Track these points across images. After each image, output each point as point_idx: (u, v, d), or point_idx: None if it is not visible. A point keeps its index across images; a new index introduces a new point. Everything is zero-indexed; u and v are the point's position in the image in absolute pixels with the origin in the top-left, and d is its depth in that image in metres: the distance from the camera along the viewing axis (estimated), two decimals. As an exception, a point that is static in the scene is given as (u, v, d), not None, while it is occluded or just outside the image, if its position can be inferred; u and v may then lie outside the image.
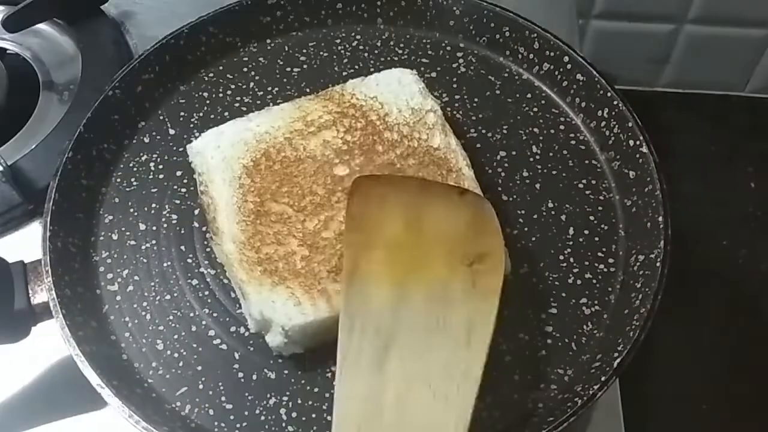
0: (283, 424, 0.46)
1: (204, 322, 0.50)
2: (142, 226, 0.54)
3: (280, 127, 0.54)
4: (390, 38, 0.64)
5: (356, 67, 0.62)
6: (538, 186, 0.55)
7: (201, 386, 0.48)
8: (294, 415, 0.46)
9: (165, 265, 0.52)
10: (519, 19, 0.61)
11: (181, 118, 0.59)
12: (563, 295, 0.51)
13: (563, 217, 0.54)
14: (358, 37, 0.64)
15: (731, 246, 1.14)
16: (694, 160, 1.19)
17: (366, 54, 0.63)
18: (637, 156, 0.54)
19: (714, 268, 1.12)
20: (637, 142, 0.55)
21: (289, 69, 0.62)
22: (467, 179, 0.51)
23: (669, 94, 1.23)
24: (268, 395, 0.47)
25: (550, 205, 0.55)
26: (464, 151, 0.53)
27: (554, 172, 0.56)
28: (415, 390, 0.40)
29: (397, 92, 0.55)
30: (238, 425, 0.46)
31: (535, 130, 0.58)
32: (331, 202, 0.50)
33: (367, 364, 0.41)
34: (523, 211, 0.54)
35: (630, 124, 0.55)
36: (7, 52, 0.73)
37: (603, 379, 0.45)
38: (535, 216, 0.54)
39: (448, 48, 0.63)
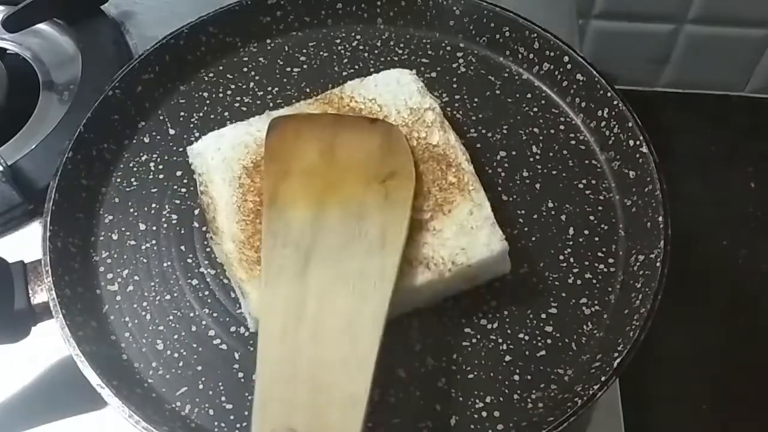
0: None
1: (204, 322, 0.50)
2: (142, 226, 0.54)
3: None
4: (390, 38, 0.64)
5: (356, 67, 0.62)
6: (538, 186, 0.55)
7: (201, 386, 0.48)
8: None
9: (165, 265, 0.52)
10: (519, 19, 0.61)
11: (181, 118, 0.59)
12: (563, 295, 0.51)
13: (563, 217, 0.54)
14: (358, 37, 0.64)
15: (731, 246, 1.14)
16: (694, 160, 1.19)
17: (366, 54, 0.63)
18: (637, 156, 0.54)
19: (714, 268, 1.12)
20: (637, 142, 0.55)
21: (289, 69, 0.62)
22: (467, 173, 0.51)
23: (669, 94, 1.23)
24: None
25: (550, 205, 0.55)
26: (463, 147, 0.53)
27: (554, 172, 0.56)
28: (335, 290, 0.44)
29: (395, 93, 0.55)
30: (238, 425, 0.46)
31: (535, 130, 0.58)
32: None
33: (289, 274, 0.44)
34: (523, 211, 0.54)
35: (630, 124, 0.55)
36: (7, 52, 0.73)
37: (603, 379, 0.45)
38: (535, 216, 0.54)
39: (448, 48, 0.63)
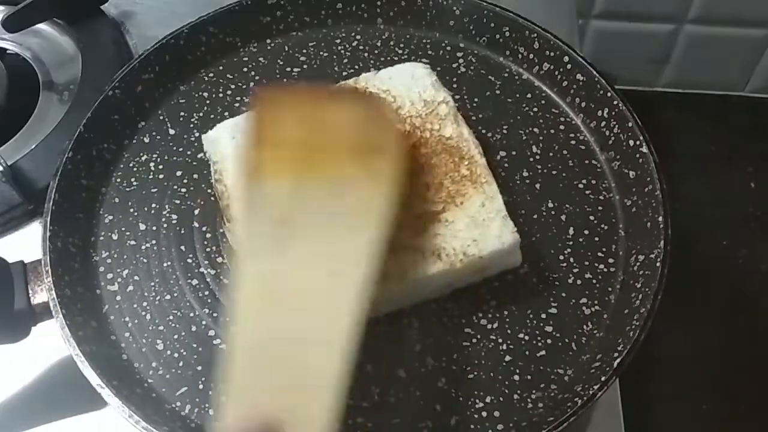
0: (283, 424, 0.46)
1: (204, 322, 0.50)
2: (142, 226, 0.54)
3: None
4: (390, 38, 0.64)
5: (356, 67, 0.62)
6: (538, 186, 0.55)
7: (201, 386, 0.48)
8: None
9: (165, 265, 0.52)
10: (519, 19, 0.61)
11: (181, 118, 0.59)
12: (563, 295, 0.51)
13: (563, 217, 0.54)
14: (358, 37, 0.64)
15: (731, 246, 1.14)
16: (694, 160, 1.19)
17: (366, 54, 0.63)
18: (637, 156, 0.54)
19: (714, 268, 1.12)
20: (637, 142, 0.55)
21: (289, 69, 0.62)
22: (479, 166, 0.51)
23: (669, 94, 1.23)
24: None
25: (550, 205, 0.55)
26: (476, 140, 0.53)
27: (554, 172, 0.56)
28: (313, 269, 0.43)
29: (409, 85, 0.55)
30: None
31: (535, 130, 0.58)
32: None
33: (265, 249, 0.43)
34: (523, 211, 0.54)
35: (630, 124, 0.55)
36: (7, 52, 0.73)
37: (603, 379, 0.45)
38: (535, 216, 0.54)
39: (448, 48, 0.63)
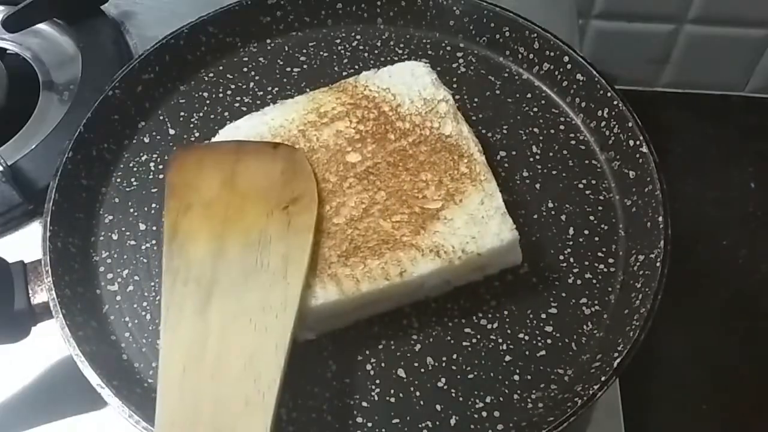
0: (283, 424, 0.46)
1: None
2: (142, 226, 0.54)
3: (294, 119, 0.54)
4: (390, 38, 0.64)
5: (356, 67, 0.62)
6: (538, 186, 0.55)
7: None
8: (294, 415, 0.46)
9: (165, 265, 0.52)
10: (519, 19, 0.61)
11: (181, 118, 0.59)
12: (563, 295, 0.51)
13: (563, 217, 0.54)
14: (358, 37, 0.64)
15: (731, 246, 1.14)
16: (694, 160, 1.19)
17: (366, 54, 0.63)
18: (637, 156, 0.54)
19: (714, 268, 1.12)
20: (637, 142, 0.55)
21: (289, 69, 0.62)
22: (479, 164, 0.51)
23: (669, 94, 1.23)
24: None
25: (550, 205, 0.55)
26: (476, 138, 0.53)
27: (554, 172, 0.56)
28: (236, 326, 0.43)
29: (409, 84, 0.55)
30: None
31: (535, 130, 0.58)
32: (342, 188, 0.51)
33: (189, 313, 0.43)
34: (523, 211, 0.54)
35: (630, 124, 0.55)
36: (7, 52, 0.73)
37: (603, 379, 0.45)
38: (535, 216, 0.54)
39: (448, 48, 0.63)
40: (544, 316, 0.50)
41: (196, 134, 0.58)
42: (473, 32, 0.63)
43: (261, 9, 0.63)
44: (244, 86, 0.61)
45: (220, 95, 0.61)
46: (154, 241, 0.53)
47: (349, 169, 0.52)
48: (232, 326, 0.43)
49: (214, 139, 0.54)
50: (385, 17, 0.64)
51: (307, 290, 0.46)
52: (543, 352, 0.48)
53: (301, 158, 0.51)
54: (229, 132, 0.54)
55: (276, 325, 0.43)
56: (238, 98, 0.60)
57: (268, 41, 0.64)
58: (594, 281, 0.51)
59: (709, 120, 1.23)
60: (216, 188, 0.48)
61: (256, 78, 0.61)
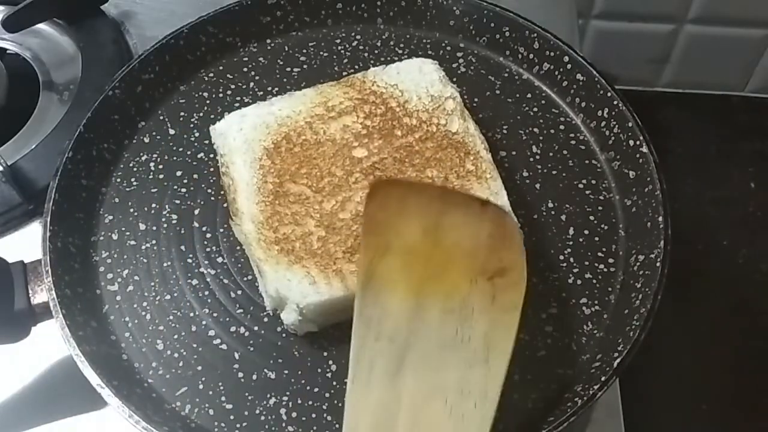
0: (283, 424, 0.46)
1: (204, 322, 0.50)
2: (142, 226, 0.54)
3: (302, 111, 0.55)
4: (390, 38, 0.64)
5: (356, 66, 0.62)
6: (538, 186, 0.55)
7: (201, 386, 0.47)
8: (294, 415, 0.46)
9: (165, 265, 0.52)
10: (519, 19, 0.61)
11: (181, 118, 0.59)
12: (563, 295, 0.51)
13: (563, 217, 0.54)
14: (358, 37, 0.64)
15: (731, 246, 1.14)
16: (694, 160, 1.19)
17: (366, 54, 0.63)
18: (637, 156, 0.54)
19: (714, 268, 1.12)
20: (637, 142, 0.55)
21: (289, 69, 0.62)
22: (485, 161, 0.51)
23: (669, 94, 1.23)
24: (268, 395, 0.47)
25: (550, 205, 0.55)
26: (482, 136, 0.53)
27: (554, 172, 0.56)
28: (430, 405, 0.39)
29: (417, 80, 0.56)
30: (238, 425, 0.46)
31: (535, 130, 0.58)
32: (348, 183, 0.51)
33: (380, 374, 0.40)
34: (523, 211, 0.54)
35: (630, 124, 0.55)
36: (7, 52, 0.73)
37: (603, 379, 0.45)
38: (535, 216, 0.54)
39: (448, 48, 0.63)
40: (544, 316, 0.50)
41: (196, 134, 0.58)
42: (473, 32, 0.63)
43: (261, 9, 0.63)
44: (244, 86, 0.61)
45: (220, 95, 0.60)
46: (154, 241, 0.53)
47: (355, 164, 0.52)
48: (425, 403, 0.39)
49: (218, 124, 0.54)
50: (385, 17, 0.64)
51: (312, 285, 0.45)
52: (543, 352, 0.48)
53: (511, 223, 0.45)
54: (235, 118, 0.54)
55: (474, 415, 0.39)
56: (238, 98, 0.60)
57: (268, 41, 0.64)
58: (594, 281, 0.51)
59: (709, 120, 1.23)
60: (418, 235, 0.43)
61: (256, 78, 0.61)
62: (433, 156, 0.52)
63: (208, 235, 0.53)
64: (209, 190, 0.55)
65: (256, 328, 0.50)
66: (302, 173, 0.52)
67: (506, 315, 0.41)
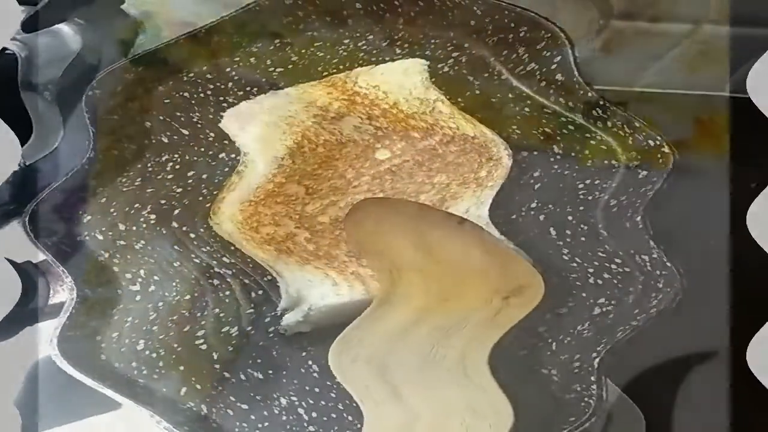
0: (305, 424, 0.46)
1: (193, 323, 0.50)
2: (143, 226, 0.54)
3: (297, 111, 0.54)
4: (390, 37, 0.63)
5: (356, 67, 0.61)
6: (537, 186, 0.55)
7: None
8: (294, 415, 0.46)
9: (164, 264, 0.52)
10: (521, 18, 0.60)
11: (170, 119, 0.59)
12: (564, 295, 0.51)
13: (563, 217, 0.54)
14: (357, 35, 0.63)
15: (731, 246, 1.13)
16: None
17: (366, 54, 0.62)
18: (640, 156, 0.54)
19: (714, 268, 1.11)
20: (643, 143, 0.54)
21: (288, 69, 0.62)
22: (503, 167, 0.51)
23: (669, 94, 1.23)
24: (274, 395, 0.47)
25: (551, 205, 0.54)
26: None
27: (554, 173, 0.56)
28: (446, 425, 0.40)
29: (401, 82, 0.55)
30: (259, 425, 0.46)
31: (534, 130, 0.58)
32: (350, 186, 0.50)
33: (380, 395, 0.41)
34: (523, 212, 0.54)
35: (632, 123, 0.55)
36: (7, 51, 0.72)
37: (603, 379, 0.45)
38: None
39: (448, 46, 0.62)
40: (548, 317, 0.50)
41: (185, 133, 0.58)
42: (471, 31, 0.62)
43: (279, 8, 0.62)
44: (240, 86, 0.60)
45: (212, 96, 0.60)
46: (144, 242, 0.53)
47: (372, 167, 0.51)
48: (443, 421, 0.40)
49: (229, 112, 0.54)
50: (385, 17, 0.64)
51: (334, 287, 0.45)
52: (543, 352, 0.48)
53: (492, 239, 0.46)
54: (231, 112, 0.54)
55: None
56: (234, 99, 0.60)
57: (276, 41, 0.63)
58: (594, 281, 0.51)
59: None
60: (410, 250, 0.45)
61: (255, 77, 0.61)
62: (454, 160, 0.51)
63: (192, 235, 0.53)
64: (195, 191, 0.55)
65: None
66: (317, 173, 0.51)
67: (496, 330, 0.42)
